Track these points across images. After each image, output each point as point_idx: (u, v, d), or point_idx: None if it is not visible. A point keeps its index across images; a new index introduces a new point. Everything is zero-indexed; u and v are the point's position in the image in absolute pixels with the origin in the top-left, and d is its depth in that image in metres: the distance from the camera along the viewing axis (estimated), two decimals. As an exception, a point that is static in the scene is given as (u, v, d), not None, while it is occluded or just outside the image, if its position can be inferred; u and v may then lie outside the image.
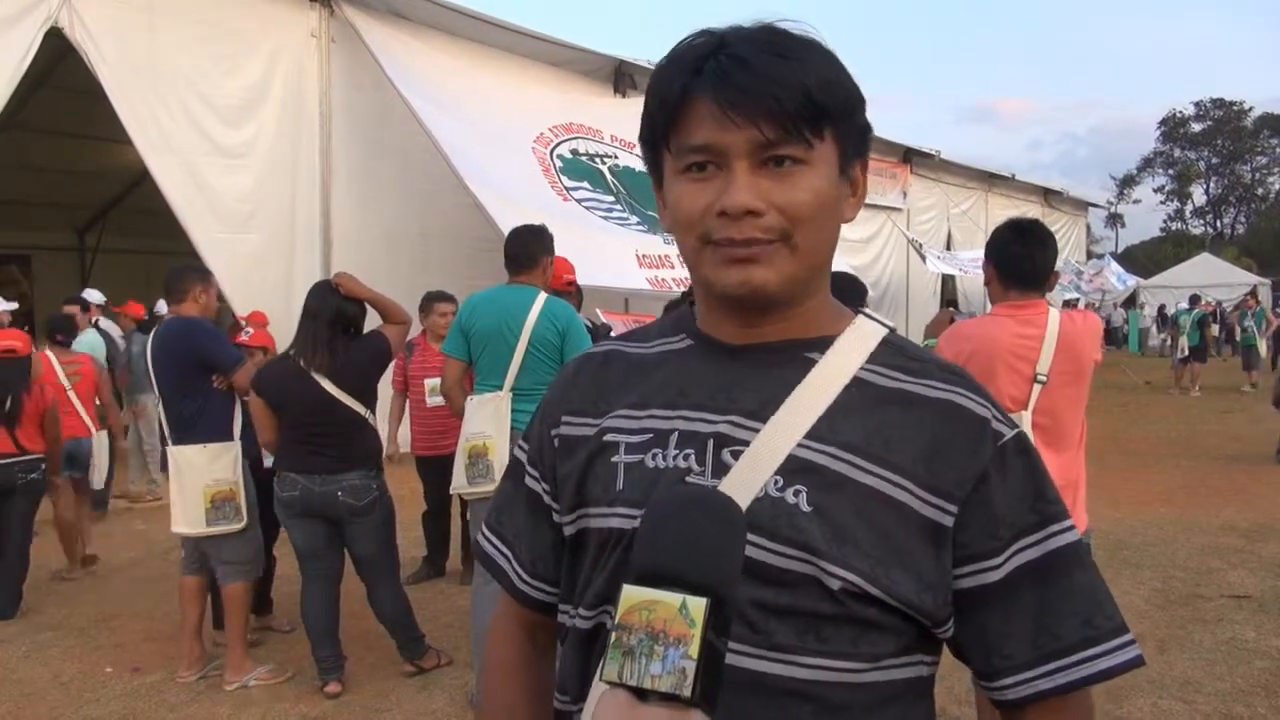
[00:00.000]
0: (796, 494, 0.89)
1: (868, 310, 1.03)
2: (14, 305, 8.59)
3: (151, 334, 4.34)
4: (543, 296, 3.79)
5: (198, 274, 4.45)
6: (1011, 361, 2.84)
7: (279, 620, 4.86)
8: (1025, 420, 2.78)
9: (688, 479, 0.93)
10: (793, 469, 0.90)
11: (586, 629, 0.99)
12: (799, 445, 0.91)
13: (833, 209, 0.95)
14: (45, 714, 3.95)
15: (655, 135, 0.96)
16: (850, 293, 3.28)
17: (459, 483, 3.88)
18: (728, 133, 0.89)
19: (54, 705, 4.02)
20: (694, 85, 0.90)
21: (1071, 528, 0.95)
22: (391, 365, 4.46)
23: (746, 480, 0.90)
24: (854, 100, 0.94)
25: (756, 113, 0.88)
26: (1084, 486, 2.97)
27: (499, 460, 3.69)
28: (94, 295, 8.61)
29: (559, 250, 5.09)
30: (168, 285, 4.31)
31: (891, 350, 0.98)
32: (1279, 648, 4.41)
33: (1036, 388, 2.80)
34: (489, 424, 3.73)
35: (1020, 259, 2.93)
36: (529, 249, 3.92)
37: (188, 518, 4.07)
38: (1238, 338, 17.67)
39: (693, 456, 0.94)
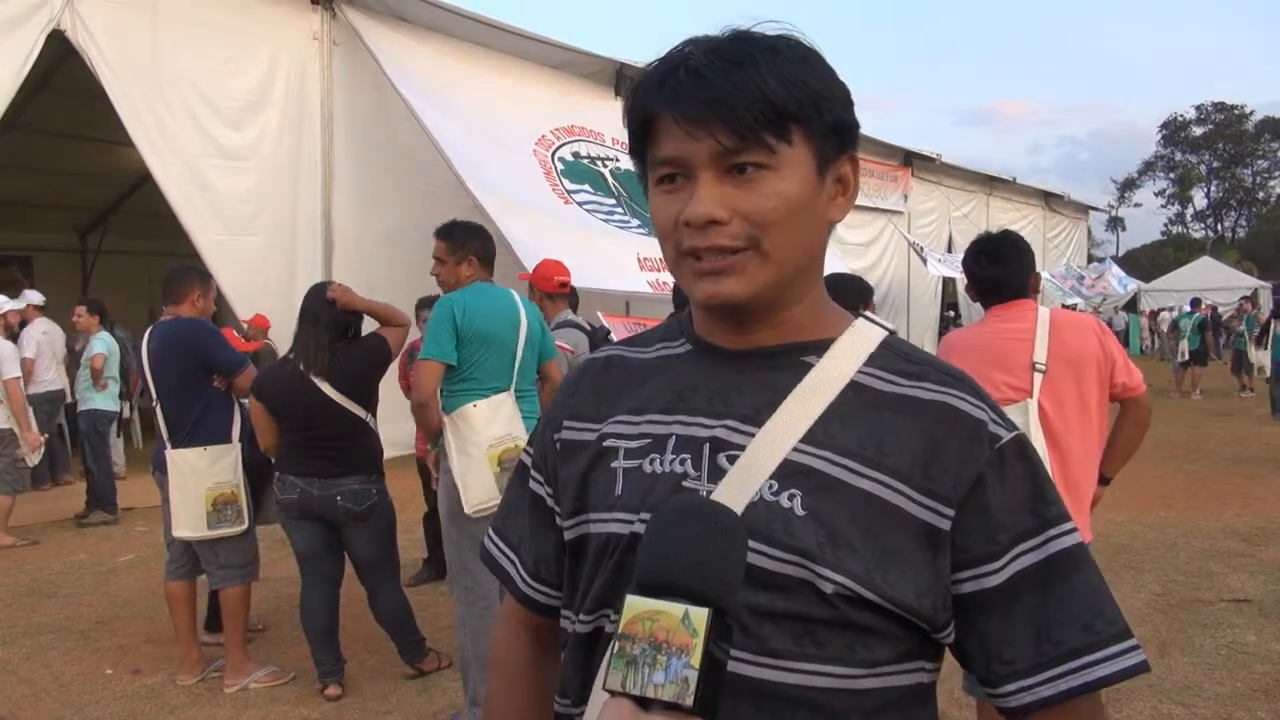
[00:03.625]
0: (791, 498, 0.89)
1: (868, 313, 1.03)
2: (42, 299, 8.73)
3: (147, 334, 4.30)
4: (517, 295, 3.79)
5: (198, 276, 4.42)
6: (1008, 350, 2.86)
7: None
8: (1031, 409, 2.79)
9: (684, 484, 0.94)
10: (788, 473, 0.90)
11: (586, 632, 0.99)
12: (794, 450, 0.91)
13: (807, 211, 0.93)
14: (45, 715, 3.95)
15: (635, 151, 0.99)
16: (854, 293, 3.29)
17: (487, 495, 3.47)
18: (688, 145, 0.90)
19: (54, 707, 4.03)
20: (653, 103, 0.92)
21: (1073, 530, 0.94)
22: (396, 367, 4.42)
23: (741, 484, 0.90)
24: (826, 98, 0.92)
25: (711, 122, 0.89)
26: (1091, 495, 2.95)
27: None
28: (34, 296, 8.83)
29: (560, 253, 5.12)
30: (166, 285, 4.28)
31: (890, 353, 0.98)
32: (1279, 652, 4.41)
33: (1038, 376, 2.81)
34: (514, 424, 3.57)
35: (988, 279, 2.98)
36: (494, 250, 3.85)
37: (189, 521, 4.07)
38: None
39: (689, 461, 0.94)
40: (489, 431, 3.54)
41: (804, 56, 0.93)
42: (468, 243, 3.72)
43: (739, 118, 0.88)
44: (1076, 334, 2.88)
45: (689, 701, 0.70)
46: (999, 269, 2.96)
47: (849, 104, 0.96)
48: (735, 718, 0.87)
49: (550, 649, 1.14)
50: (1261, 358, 14.28)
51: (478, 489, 3.52)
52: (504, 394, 3.61)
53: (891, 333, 1.01)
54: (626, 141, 1.01)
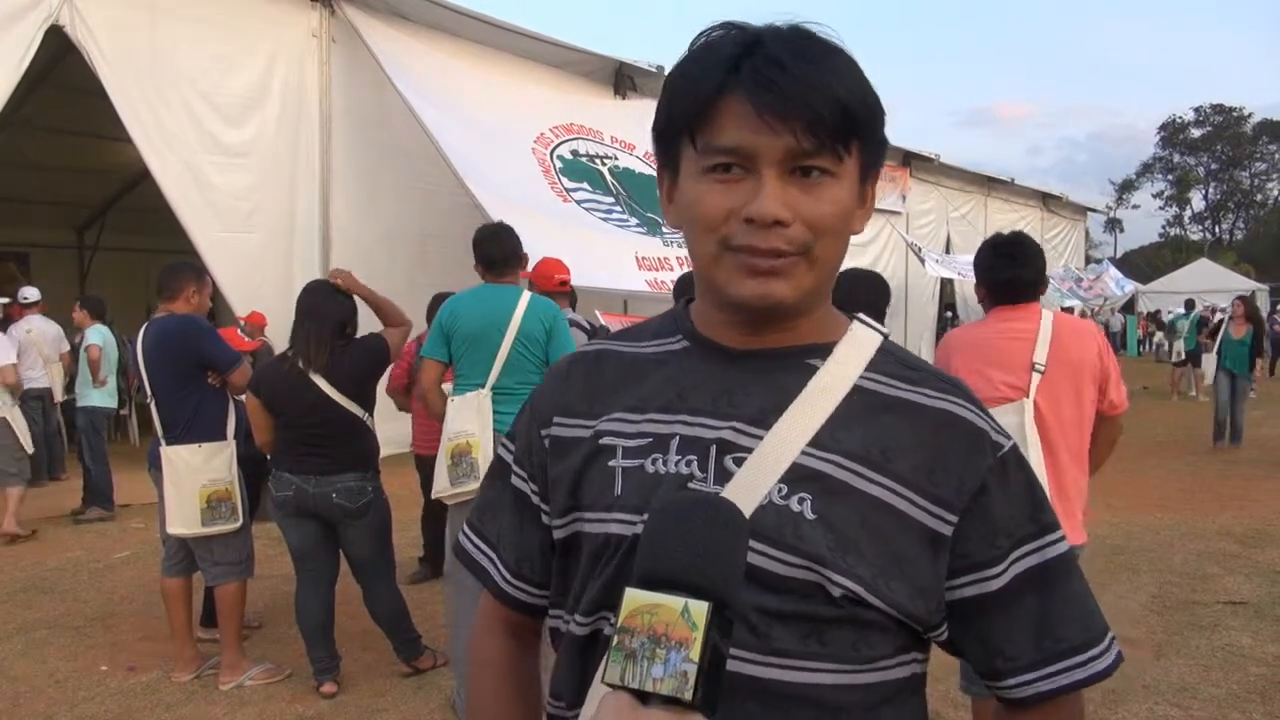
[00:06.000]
0: (801, 502, 0.89)
1: (861, 316, 1.03)
2: (36, 295, 8.73)
3: (142, 331, 4.30)
4: (528, 295, 3.82)
5: (193, 273, 4.41)
6: (1008, 349, 2.88)
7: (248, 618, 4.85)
8: (1027, 408, 2.81)
9: (689, 486, 0.93)
10: (796, 477, 0.90)
11: (583, 635, 0.98)
12: (802, 453, 0.91)
13: (850, 222, 0.95)
14: (41, 712, 3.94)
15: (677, 128, 0.94)
16: (879, 291, 3.26)
17: (441, 486, 3.77)
18: (762, 137, 0.87)
19: (49, 703, 4.02)
20: (730, 84, 0.88)
21: (1063, 537, 0.98)
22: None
23: (750, 487, 0.90)
24: (880, 115, 0.94)
25: (795, 121, 0.86)
26: (1082, 497, 2.97)
27: (484, 459, 3.64)
28: (29, 292, 8.83)
29: (558, 251, 5.12)
30: (162, 282, 4.27)
31: (889, 358, 0.99)
32: (1275, 654, 4.42)
33: (1036, 376, 2.83)
34: (472, 423, 3.68)
35: (1007, 281, 2.97)
36: (515, 249, 3.93)
37: (183, 519, 4.06)
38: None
39: (694, 463, 0.93)
40: (451, 426, 3.73)
41: (859, 69, 0.92)
42: (473, 251, 3.90)
43: (822, 120, 0.87)
44: (1077, 339, 2.90)
45: (688, 696, 0.69)
46: (1021, 270, 2.96)
47: (885, 121, 0.96)
48: (743, 717, 0.88)
49: (530, 647, 1.13)
50: (1209, 363, 12.22)
51: (439, 478, 3.78)
52: (476, 392, 3.71)
53: (886, 336, 1.02)
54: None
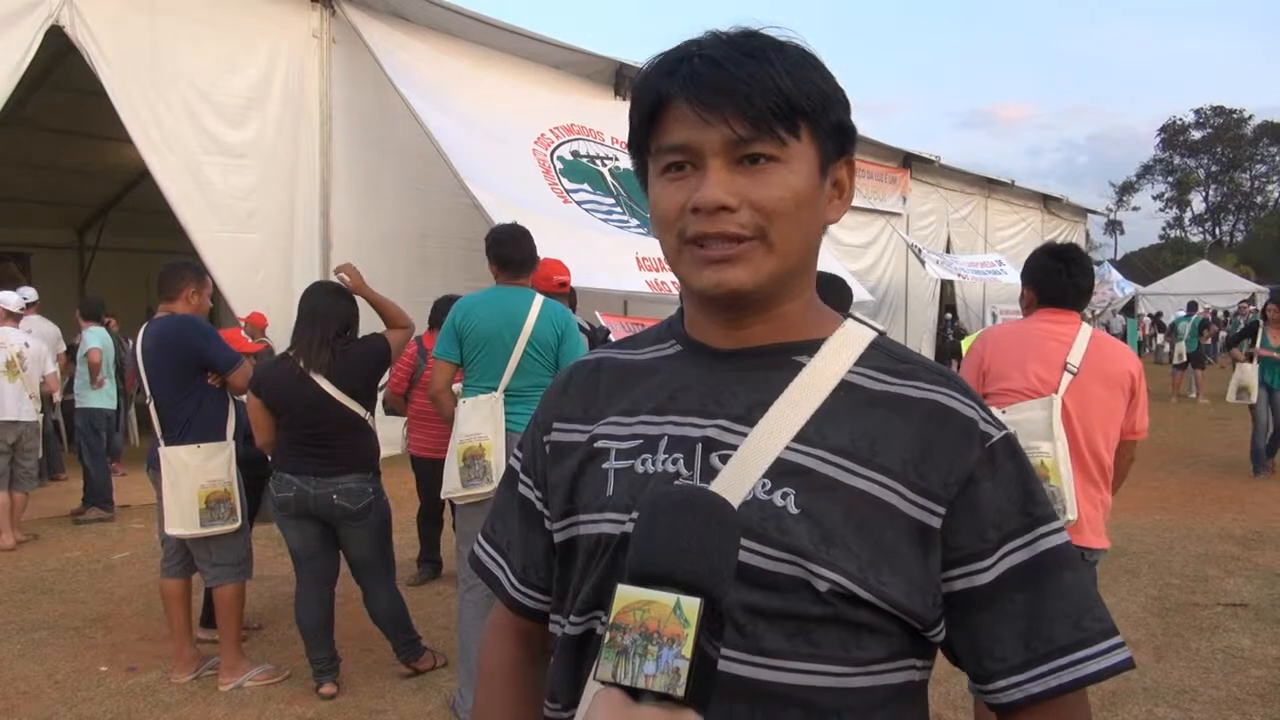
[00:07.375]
0: (784, 496, 0.90)
1: (857, 314, 1.03)
2: (34, 296, 8.63)
3: (141, 331, 4.30)
4: (540, 298, 3.82)
5: (193, 273, 4.39)
6: (1047, 347, 2.93)
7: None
8: (1055, 404, 2.85)
9: (676, 483, 0.94)
10: (781, 472, 0.90)
11: (576, 635, 0.99)
12: (787, 448, 0.91)
13: (811, 207, 0.95)
14: (40, 712, 3.94)
15: (637, 142, 0.98)
16: (834, 293, 3.29)
17: (452, 486, 3.78)
18: (701, 131, 0.90)
19: (49, 704, 4.01)
20: (668, 87, 0.92)
21: (1061, 530, 0.95)
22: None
23: (734, 483, 0.90)
24: (831, 98, 0.94)
25: (727, 110, 0.89)
26: (1106, 499, 3.01)
27: (496, 461, 3.67)
28: (27, 293, 8.66)
29: (558, 252, 5.12)
30: (161, 282, 4.27)
31: (880, 353, 0.99)
32: (1275, 656, 4.41)
33: (1067, 377, 2.88)
34: (485, 425, 3.70)
35: (1065, 287, 3.02)
36: (533, 252, 3.94)
37: (182, 519, 4.05)
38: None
39: (681, 461, 0.94)
40: (464, 429, 3.74)
41: (809, 58, 0.94)
42: (488, 251, 3.91)
43: (754, 106, 0.89)
44: (1115, 352, 2.98)
45: (680, 692, 0.69)
46: (1078, 279, 3.03)
47: (848, 109, 0.97)
48: (730, 717, 0.87)
49: (539, 654, 1.13)
50: (1246, 375, 9.68)
51: (449, 479, 3.80)
52: (489, 395, 3.73)
53: (880, 333, 1.02)
54: (626, 140, 1.01)
